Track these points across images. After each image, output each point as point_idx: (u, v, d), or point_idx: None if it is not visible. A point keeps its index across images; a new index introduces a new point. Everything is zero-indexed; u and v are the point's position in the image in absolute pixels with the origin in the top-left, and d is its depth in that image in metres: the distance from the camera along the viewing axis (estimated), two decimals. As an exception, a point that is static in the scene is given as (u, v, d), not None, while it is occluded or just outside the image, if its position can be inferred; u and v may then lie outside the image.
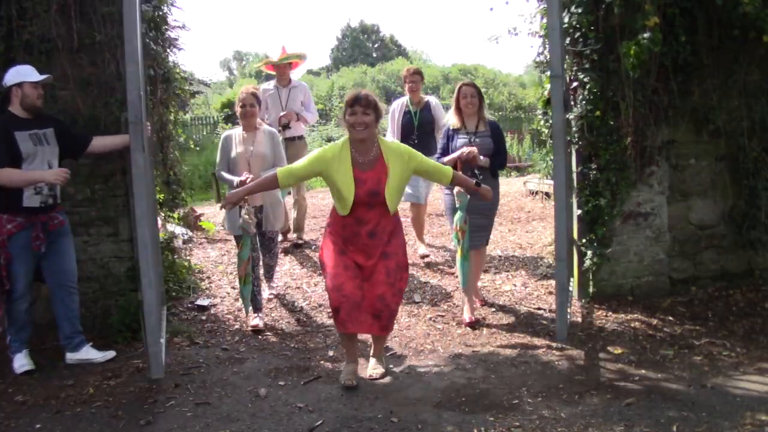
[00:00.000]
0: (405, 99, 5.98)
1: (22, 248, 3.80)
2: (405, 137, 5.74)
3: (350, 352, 3.74)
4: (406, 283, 3.75)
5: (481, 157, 4.40)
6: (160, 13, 4.58)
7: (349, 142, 3.53)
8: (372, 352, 3.83)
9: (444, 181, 3.75)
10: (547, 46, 5.35)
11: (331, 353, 4.14)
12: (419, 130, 5.82)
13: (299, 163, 3.65)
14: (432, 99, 6.10)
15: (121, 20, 3.36)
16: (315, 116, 6.47)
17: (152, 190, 3.52)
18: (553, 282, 5.39)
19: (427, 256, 5.95)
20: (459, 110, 4.56)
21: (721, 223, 4.96)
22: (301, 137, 6.30)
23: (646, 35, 4.20)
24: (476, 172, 4.35)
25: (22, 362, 3.86)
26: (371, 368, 3.74)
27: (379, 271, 3.55)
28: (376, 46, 47.24)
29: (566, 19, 4.51)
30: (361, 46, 45.91)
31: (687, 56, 4.50)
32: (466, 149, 4.38)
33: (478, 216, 4.47)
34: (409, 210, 6.17)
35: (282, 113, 6.00)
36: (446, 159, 4.46)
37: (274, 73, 6.31)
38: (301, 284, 5.46)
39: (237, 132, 4.69)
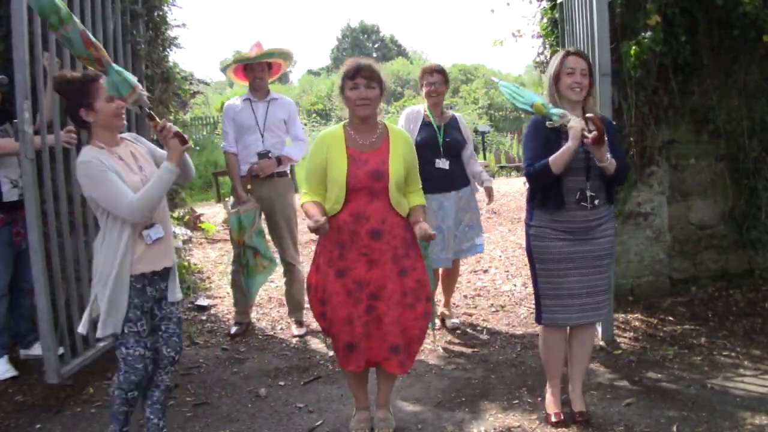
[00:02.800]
0: (421, 107, 4.36)
1: (3, 245, 3.67)
2: (425, 161, 3.79)
3: (361, 397, 3.10)
4: (430, 306, 2.93)
5: (608, 155, 2.88)
6: (160, 12, 4.60)
7: (345, 125, 2.91)
8: (378, 398, 3.09)
9: (414, 204, 2.93)
10: (547, 46, 5.37)
11: (331, 353, 4.12)
12: (446, 153, 4.21)
13: (307, 167, 2.95)
14: (458, 115, 4.49)
15: (9, 27, 3.24)
16: (305, 145, 4.47)
17: (38, 197, 3.28)
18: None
19: (458, 329, 4.48)
20: (558, 93, 2.98)
21: (721, 223, 4.95)
22: (283, 174, 4.44)
23: (647, 34, 4.20)
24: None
25: (5, 368, 3.73)
26: (380, 420, 3.04)
27: (393, 290, 2.79)
28: (376, 46, 47.26)
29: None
30: (361, 46, 45.88)
31: (687, 56, 4.50)
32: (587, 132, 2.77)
33: (590, 270, 3.01)
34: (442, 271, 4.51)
35: (260, 150, 4.26)
36: (558, 153, 2.82)
37: (244, 83, 4.50)
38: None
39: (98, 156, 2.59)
